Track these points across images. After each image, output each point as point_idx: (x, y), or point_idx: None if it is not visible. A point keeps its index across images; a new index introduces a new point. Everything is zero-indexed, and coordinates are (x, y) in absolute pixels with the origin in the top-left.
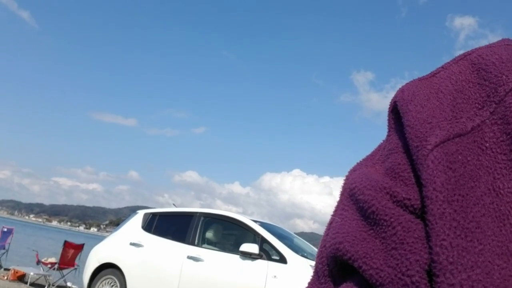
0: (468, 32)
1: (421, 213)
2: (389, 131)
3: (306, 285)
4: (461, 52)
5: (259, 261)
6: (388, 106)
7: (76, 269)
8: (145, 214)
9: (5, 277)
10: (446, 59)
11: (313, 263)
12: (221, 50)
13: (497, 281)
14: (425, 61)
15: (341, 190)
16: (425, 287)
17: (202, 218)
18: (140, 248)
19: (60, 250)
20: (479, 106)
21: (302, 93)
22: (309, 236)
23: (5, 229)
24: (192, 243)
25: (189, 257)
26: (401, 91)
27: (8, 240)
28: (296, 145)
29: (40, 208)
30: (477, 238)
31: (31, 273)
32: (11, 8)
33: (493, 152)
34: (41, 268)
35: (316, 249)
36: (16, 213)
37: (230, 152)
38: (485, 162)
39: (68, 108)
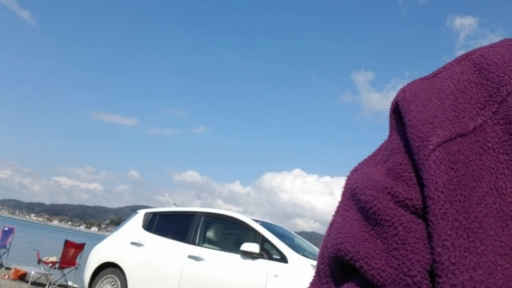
0: (468, 32)
1: (423, 213)
2: (390, 131)
3: (308, 285)
4: (462, 52)
5: (260, 260)
6: (390, 106)
7: (77, 268)
8: (146, 214)
9: (6, 276)
10: (446, 59)
11: (313, 262)
12: (221, 49)
13: (500, 281)
14: (426, 61)
15: (342, 190)
16: None
17: (202, 218)
18: (141, 247)
19: (61, 249)
20: (481, 106)
21: (302, 93)
22: (309, 236)
23: (6, 229)
24: (193, 243)
25: (190, 257)
26: (403, 91)
27: (9, 240)
28: (296, 145)
29: (40, 207)
30: (479, 238)
31: (32, 272)
32: (11, 7)
33: (495, 152)
34: (42, 267)
35: (317, 249)
36: (17, 212)
37: (231, 152)
38: (487, 162)
39: (68, 108)
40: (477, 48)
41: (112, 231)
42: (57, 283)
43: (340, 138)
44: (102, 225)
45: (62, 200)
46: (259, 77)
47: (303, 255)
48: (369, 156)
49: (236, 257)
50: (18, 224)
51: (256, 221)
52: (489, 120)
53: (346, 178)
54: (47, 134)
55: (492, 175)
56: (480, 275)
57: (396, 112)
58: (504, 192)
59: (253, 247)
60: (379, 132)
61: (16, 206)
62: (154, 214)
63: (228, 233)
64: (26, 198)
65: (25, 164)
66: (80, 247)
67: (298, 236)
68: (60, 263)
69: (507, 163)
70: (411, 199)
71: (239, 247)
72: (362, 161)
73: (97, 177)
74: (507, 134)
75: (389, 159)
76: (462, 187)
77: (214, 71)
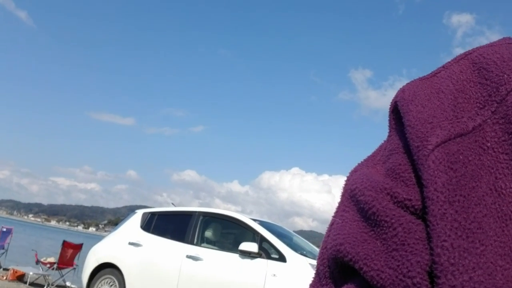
0: (465, 29)
1: (422, 214)
2: (390, 131)
3: (308, 286)
4: (459, 49)
5: (259, 259)
6: (389, 106)
7: (75, 268)
8: (144, 214)
9: (5, 277)
10: (444, 56)
11: (312, 261)
12: (218, 48)
13: (500, 282)
14: (423, 58)
15: (342, 191)
16: None
17: (201, 217)
18: (139, 247)
19: (59, 250)
20: (481, 106)
21: (300, 91)
22: (308, 234)
23: (4, 229)
24: (191, 242)
25: (188, 256)
26: (402, 91)
27: (8, 240)
28: (294, 143)
29: (39, 208)
30: (479, 239)
31: (30, 273)
32: (8, 8)
33: (494, 151)
34: (40, 268)
35: (315, 247)
36: (15, 213)
37: (229, 151)
38: (486, 162)
39: (66, 108)
40: (476, 47)
41: (110, 232)
42: (55, 284)
43: (338, 136)
44: (100, 226)
45: (60, 200)
46: (256, 76)
47: (302, 254)
48: (368, 157)
49: (235, 256)
50: (16, 224)
51: (255, 220)
52: (488, 120)
53: (345, 179)
54: (45, 134)
55: (492, 175)
56: (479, 276)
57: (395, 112)
58: (504, 192)
59: (252, 247)
60: (377, 130)
61: (14, 206)
62: (152, 214)
63: (226, 233)
64: (24, 199)
65: (23, 165)
66: (78, 247)
67: (297, 235)
68: (58, 263)
69: (507, 163)
70: (410, 200)
71: (238, 247)
72: (361, 162)
73: (95, 177)
74: (506, 133)
75: (389, 160)
76: (461, 187)
77: (212, 70)
